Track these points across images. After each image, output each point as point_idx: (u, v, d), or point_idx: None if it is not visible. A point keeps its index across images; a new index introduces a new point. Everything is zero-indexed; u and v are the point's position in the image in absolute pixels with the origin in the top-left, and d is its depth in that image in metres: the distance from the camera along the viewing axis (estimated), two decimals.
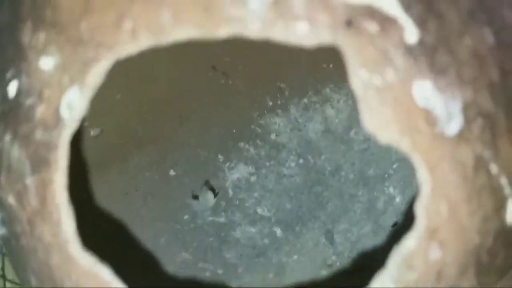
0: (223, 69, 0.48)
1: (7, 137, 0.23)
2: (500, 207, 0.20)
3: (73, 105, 0.20)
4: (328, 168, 0.49)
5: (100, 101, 0.44)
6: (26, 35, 0.23)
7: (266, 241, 0.47)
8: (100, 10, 0.20)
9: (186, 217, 0.47)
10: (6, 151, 0.22)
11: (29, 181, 0.21)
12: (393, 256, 0.20)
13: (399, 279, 0.20)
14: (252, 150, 0.49)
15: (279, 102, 0.49)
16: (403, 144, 0.19)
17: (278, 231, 0.47)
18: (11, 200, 0.22)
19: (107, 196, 0.44)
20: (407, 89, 0.19)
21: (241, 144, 0.49)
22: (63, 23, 0.21)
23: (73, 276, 0.21)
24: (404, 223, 0.43)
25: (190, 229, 0.46)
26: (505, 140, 0.20)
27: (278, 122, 0.50)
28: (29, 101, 0.22)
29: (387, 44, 0.18)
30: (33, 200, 0.21)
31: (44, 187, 0.21)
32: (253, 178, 0.49)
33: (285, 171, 0.49)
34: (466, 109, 0.19)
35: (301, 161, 0.49)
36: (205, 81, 0.48)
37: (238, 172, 0.49)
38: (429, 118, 0.19)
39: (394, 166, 0.47)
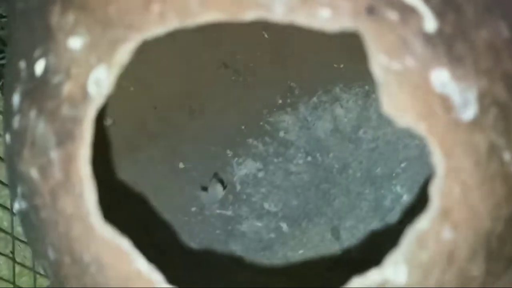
0: (234, 66, 0.49)
1: (32, 114, 0.23)
2: (511, 194, 0.21)
3: (100, 82, 0.21)
4: (336, 166, 0.49)
5: (114, 92, 0.45)
6: (55, 17, 0.23)
7: (272, 235, 0.47)
8: None
9: (193, 209, 0.47)
10: (31, 127, 0.23)
11: (54, 154, 0.22)
12: (406, 235, 0.20)
13: (412, 258, 0.20)
14: (260, 146, 0.50)
15: (288, 100, 0.50)
16: (420, 128, 0.19)
17: (284, 226, 0.48)
18: (33, 173, 0.23)
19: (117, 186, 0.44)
20: (425, 76, 0.19)
21: (250, 140, 0.49)
22: (92, 5, 0.22)
23: (92, 247, 0.21)
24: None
25: (198, 221, 0.47)
26: None
27: (287, 120, 0.50)
28: (56, 79, 0.22)
29: (406, 32, 0.19)
30: (57, 173, 0.22)
31: (68, 160, 0.21)
32: (260, 174, 0.49)
33: (293, 168, 0.50)
34: (481, 97, 0.20)
35: (309, 158, 0.50)
36: (217, 77, 0.48)
37: (246, 168, 0.49)
38: (446, 104, 0.19)
39: (402, 165, 0.47)
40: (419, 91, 0.19)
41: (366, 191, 0.48)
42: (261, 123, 0.50)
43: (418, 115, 0.19)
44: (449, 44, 0.20)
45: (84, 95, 0.21)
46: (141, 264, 0.21)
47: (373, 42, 0.19)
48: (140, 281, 0.21)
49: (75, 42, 0.22)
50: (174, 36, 0.46)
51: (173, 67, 0.47)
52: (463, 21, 0.20)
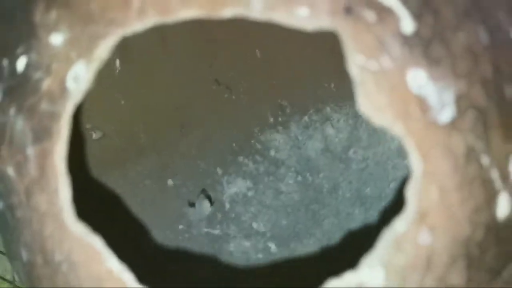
0: (227, 84, 0.49)
1: (12, 111, 0.23)
2: (490, 200, 0.21)
3: (79, 78, 0.21)
4: (326, 186, 0.49)
5: (104, 104, 0.46)
6: (38, 14, 0.24)
7: (260, 255, 0.47)
8: None
9: (181, 227, 0.46)
10: (10, 124, 0.23)
11: (30, 151, 0.22)
12: (382, 237, 0.20)
13: (388, 261, 0.20)
14: (251, 165, 0.50)
15: (280, 119, 0.50)
16: (396, 129, 0.19)
17: (273, 247, 0.47)
18: (10, 171, 0.23)
19: (105, 200, 0.44)
20: (402, 76, 0.19)
21: (241, 159, 0.49)
22: (75, 2, 0.23)
23: (65, 246, 0.21)
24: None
25: (185, 239, 0.46)
26: (497, 135, 0.20)
27: (278, 139, 0.50)
28: (37, 75, 0.22)
29: (384, 32, 0.19)
30: (32, 169, 0.22)
31: (44, 157, 0.21)
32: (250, 193, 0.49)
33: (283, 188, 0.49)
34: (459, 100, 0.20)
35: (299, 178, 0.49)
36: (209, 94, 0.49)
37: (236, 186, 0.49)
38: (423, 105, 0.19)
39: (391, 185, 0.47)
40: (396, 91, 0.19)
41: (356, 211, 0.47)
42: (252, 141, 0.50)
43: (395, 115, 0.19)
44: (426, 46, 0.20)
45: (63, 91, 0.21)
46: (113, 264, 0.21)
47: (350, 42, 0.19)
48: (112, 280, 0.21)
49: (57, 39, 0.23)
50: (167, 52, 0.46)
51: (166, 82, 0.47)
52: (441, 23, 0.20)
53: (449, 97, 0.20)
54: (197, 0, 0.19)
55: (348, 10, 0.19)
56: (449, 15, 0.20)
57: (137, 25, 0.20)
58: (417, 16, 0.20)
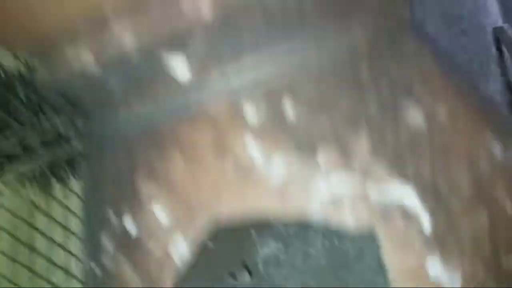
0: None
1: (121, 260, 0.30)
2: None
3: (181, 250, 0.27)
4: (351, 252, 0.54)
5: None
6: (140, 182, 0.30)
7: None
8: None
9: None
10: (119, 270, 0.30)
11: None
12: None
13: None
14: (281, 227, 0.54)
15: None
16: None
17: None
18: None
19: None
20: (422, 266, 0.27)
21: (272, 220, 0.54)
22: (172, 178, 0.29)
23: None
24: None
25: None
26: None
27: None
28: (142, 235, 0.28)
29: (409, 233, 0.26)
30: None
31: None
32: (281, 255, 0.54)
33: (312, 251, 0.54)
34: (465, 281, 0.27)
35: (326, 242, 0.54)
36: None
37: (269, 248, 0.54)
38: None
39: None
40: (418, 279, 0.26)
41: (380, 280, 0.52)
42: None
43: None
44: (441, 238, 0.27)
45: (167, 259, 0.27)
46: None
47: (384, 237, 0.26)
48: None
49: (157, 208, 0.29)
50: None
51: None
52: (451, 217, 0.27)
53: (457, 280, 0.27)
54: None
55: (384, 216, 0.26)
56: (456, 206, 0.27)
57: (227, 208, 0.26)
58: (433, 215, 0.27)
